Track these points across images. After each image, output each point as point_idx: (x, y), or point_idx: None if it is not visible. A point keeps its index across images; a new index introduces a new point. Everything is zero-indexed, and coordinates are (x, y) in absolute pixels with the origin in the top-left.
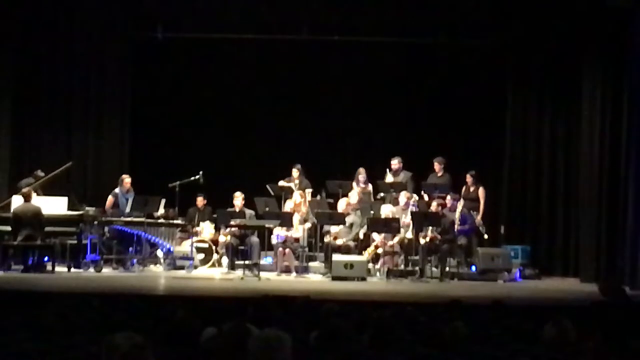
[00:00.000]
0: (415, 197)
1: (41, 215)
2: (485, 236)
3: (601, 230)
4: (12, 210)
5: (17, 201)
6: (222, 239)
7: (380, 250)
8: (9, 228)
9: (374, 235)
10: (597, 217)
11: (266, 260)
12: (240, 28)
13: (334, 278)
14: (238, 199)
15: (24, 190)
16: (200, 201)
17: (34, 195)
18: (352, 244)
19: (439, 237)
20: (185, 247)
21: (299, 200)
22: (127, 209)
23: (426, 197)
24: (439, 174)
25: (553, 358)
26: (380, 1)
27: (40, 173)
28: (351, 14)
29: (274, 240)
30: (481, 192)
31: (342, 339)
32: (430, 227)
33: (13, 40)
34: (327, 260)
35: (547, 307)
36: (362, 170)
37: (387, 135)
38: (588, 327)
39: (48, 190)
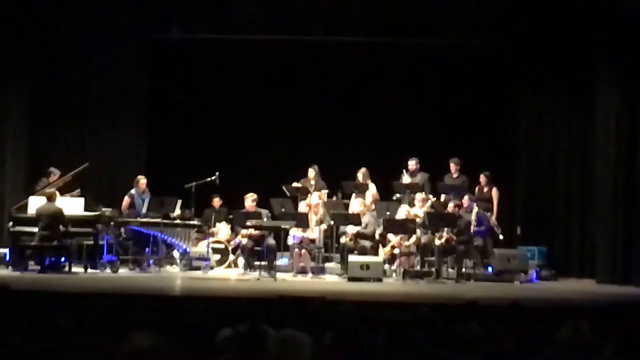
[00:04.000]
0: (432, 198)
1: (61, 216)
2: (501, 237)
3: (618, 231)
4: (35, 210)
5: (33, 202)
6: (243, 241)
7: (396, 251)
8: (25, 229)
9: (390, 235)
10: (613, 217)
11: (282, 261)
12: (255, 29)
13: (350, 279)
14: (248, 199)
15: (47, 190)
16: (217, 202)
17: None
18: (367, 244)
19: (454, 238)
20: (201, 247)
21: (316, 201)
22: (144, 210)
23: (442, 197)
24: (455, 175)
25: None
26: (395, 2)
27: (53, 169)
28: (365, 15)
29: (290, 241)
30: (494, 192)
31: (358, 339)
32: (446, 228)
33: (30, 42)
34: (343, 261)
35: (563, 309)
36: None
37: (403, 135)
38: (604, 328)
39: (68, 188)
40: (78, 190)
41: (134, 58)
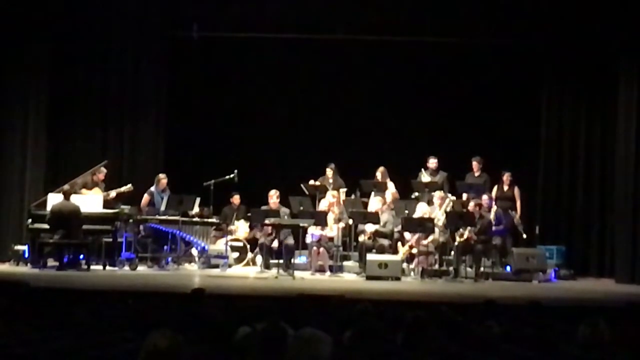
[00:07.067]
0: (450, 197)
1: (79, 213)
2: (524, 235)
3: (637, 231)
4: (50, 208)
5: (53, 199)
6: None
7: (414, 250)
8: (45, 226)
9: (408, 234)
10: (632, 217)
11: (300, 259)
12: (275, 27)
13: (368, 277)
14: (273, 197)
15: (64, 187)
16: (236, 200)
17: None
18: (386, 243)
19: (475, 237)
20: (219, 245)
21: (332, 200)
22: (162, 208)
23: (465, 197)
24: (477, 174)
25: (587, 359)
26: (415, 1)
27: (102, 168)
28: (386, 14)
29: (308, 240)
30: (516, 192)
31: (376, 338)
32: (469, 228)
33: (49, 40)
34: (362, 260)
35: (582, 308)
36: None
37: (422, 134)
38: (623, 328)
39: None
40: (129, 185)
41: (154, 56)
